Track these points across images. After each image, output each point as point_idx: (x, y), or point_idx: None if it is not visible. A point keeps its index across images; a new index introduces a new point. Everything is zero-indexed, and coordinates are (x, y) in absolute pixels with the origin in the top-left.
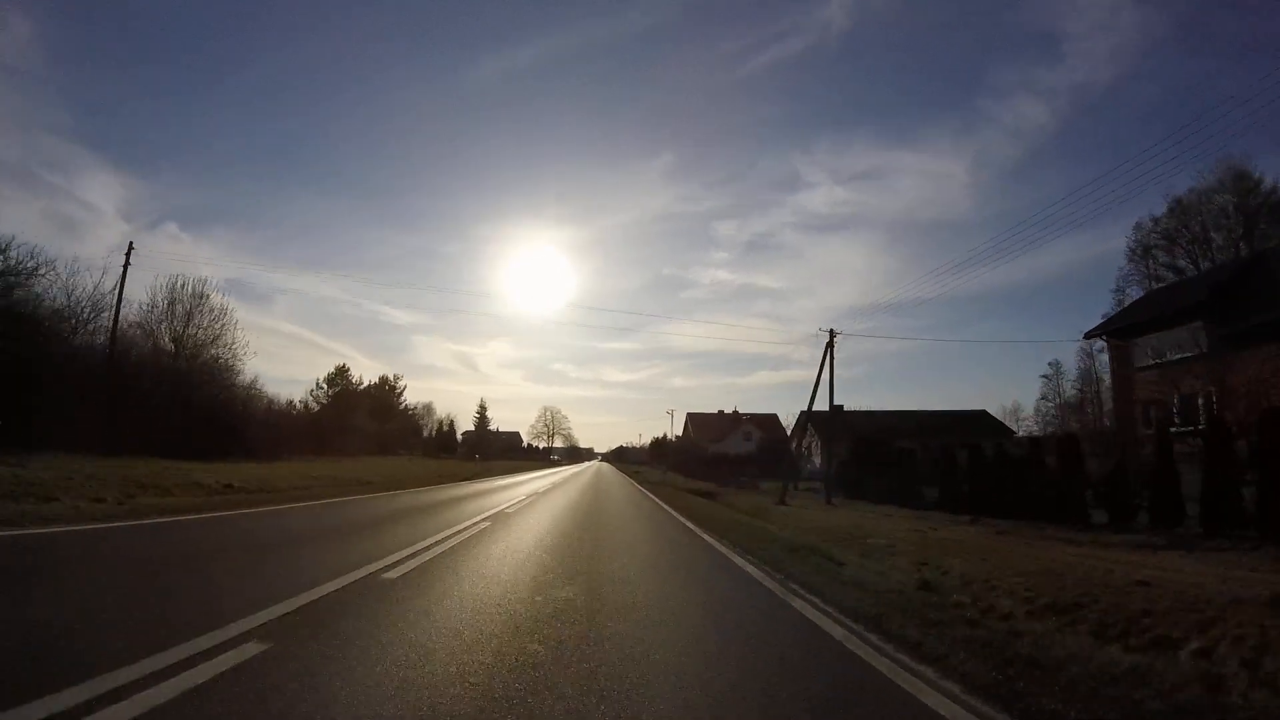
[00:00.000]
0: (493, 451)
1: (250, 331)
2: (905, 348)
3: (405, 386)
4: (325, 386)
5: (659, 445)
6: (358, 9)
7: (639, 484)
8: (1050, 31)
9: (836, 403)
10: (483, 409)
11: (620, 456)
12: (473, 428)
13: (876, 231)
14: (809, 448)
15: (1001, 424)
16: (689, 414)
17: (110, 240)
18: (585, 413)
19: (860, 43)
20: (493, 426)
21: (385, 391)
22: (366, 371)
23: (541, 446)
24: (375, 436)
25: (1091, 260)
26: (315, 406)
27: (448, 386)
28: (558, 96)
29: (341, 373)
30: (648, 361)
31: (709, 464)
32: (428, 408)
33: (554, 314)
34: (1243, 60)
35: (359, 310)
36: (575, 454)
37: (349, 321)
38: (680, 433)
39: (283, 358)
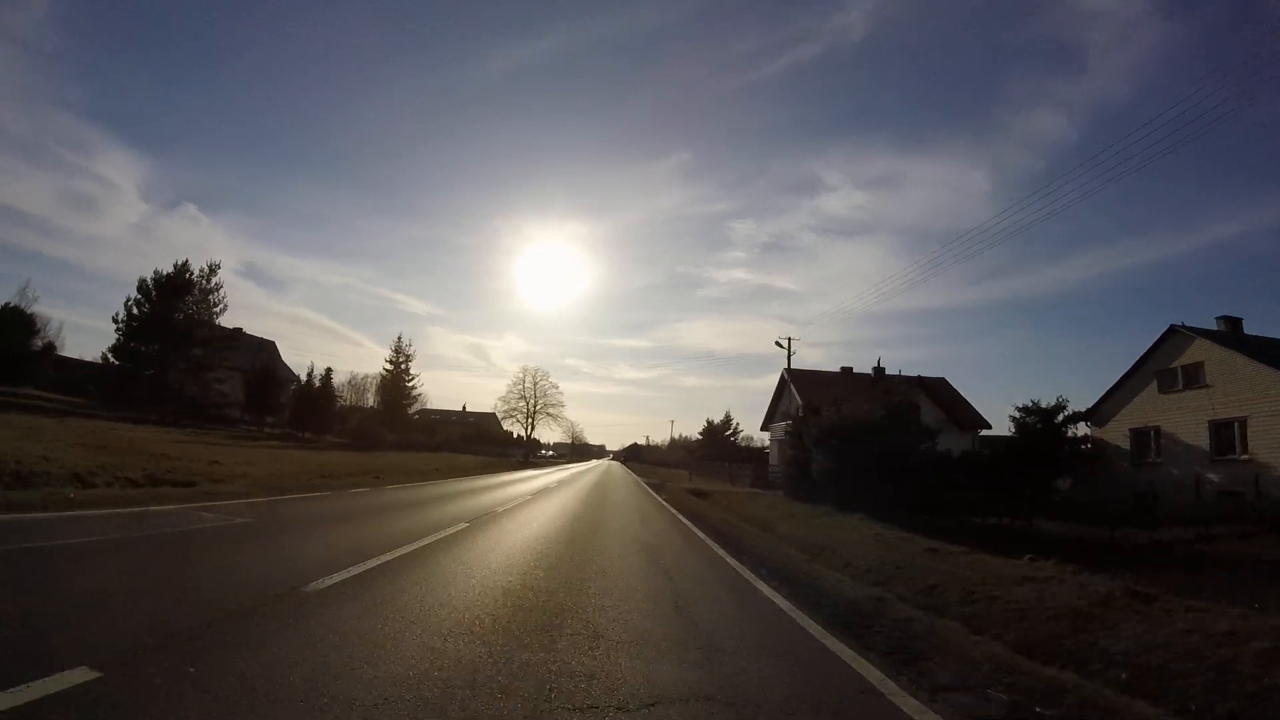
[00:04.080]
0: (404, 441)
1: (263, 315)
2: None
3: (225, 301)
4: None
5: (715, 434)
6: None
7: None
8: (1069, 44)
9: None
10: (398, 360)
11: (636, 455)
12: (436, 405)
13: (893, 236)
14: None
15: None
16: (789, 371)
17: (130, 219)
18: (595, 410)
19: (877, 50)
20: (461, 405)
21: (178, 281)
22: (377, 361)
23: (520, 435)
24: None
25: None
26: None
27: (461, 379)
28: (569, 93)
29: None
30: (659, 359)
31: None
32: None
33: (567, 309)
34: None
35: (372, 299)
36: (583, 451)
37: (361, 309)
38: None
39: (295, 343)
